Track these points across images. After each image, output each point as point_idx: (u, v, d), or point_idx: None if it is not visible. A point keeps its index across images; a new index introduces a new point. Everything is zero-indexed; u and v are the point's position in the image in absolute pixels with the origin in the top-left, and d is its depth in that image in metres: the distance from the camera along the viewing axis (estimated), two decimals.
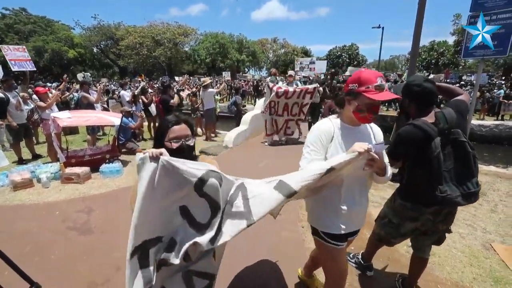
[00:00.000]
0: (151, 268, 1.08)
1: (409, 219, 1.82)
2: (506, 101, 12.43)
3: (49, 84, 14.96)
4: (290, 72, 7.52)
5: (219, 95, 10.42)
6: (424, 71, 35.57)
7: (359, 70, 1.42)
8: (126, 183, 4.49)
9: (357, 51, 45.90)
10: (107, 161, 5.06)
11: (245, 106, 14.27)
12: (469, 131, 1.98)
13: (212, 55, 38.42)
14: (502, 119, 12.48)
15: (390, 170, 1.45)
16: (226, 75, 25.97)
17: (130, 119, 6.57)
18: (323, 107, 7.98)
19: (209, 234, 1.11)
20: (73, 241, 2.89)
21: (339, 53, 45.47)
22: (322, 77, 13.12)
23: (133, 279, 1.07)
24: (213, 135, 8.23)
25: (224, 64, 38.28)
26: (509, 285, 2.22)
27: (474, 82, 6.49)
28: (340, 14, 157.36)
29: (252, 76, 34.80)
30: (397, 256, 2.57)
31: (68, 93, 8.50)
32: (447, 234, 1.91)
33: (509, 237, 2.89)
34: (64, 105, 7.95)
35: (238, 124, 7.93)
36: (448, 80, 19.33)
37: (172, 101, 6.53)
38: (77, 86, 8.89)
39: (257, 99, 14.92)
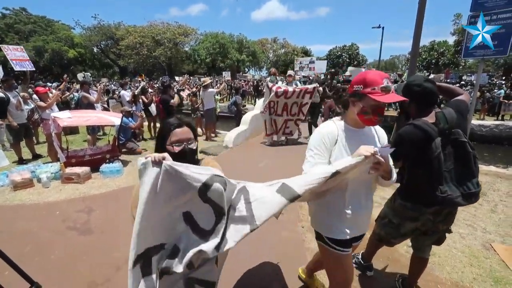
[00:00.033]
0: (154, 276, 1.06)
1: (409, 219, 1.82)
2: (506, 101, 12.43)
3: (49, 84, 14.98)
4: (290, 72, 7.52)
5: (219, 95, 10.41)
6: (424, 71, 35.57)
7: (365, 70, 1.38)
8: (126, 183, 4.49)
9: (357, 51, 45.93)
10: (107, 161, 5.06)
11: (245, 106, 14.29)
12: (469, 131, 1.98)
13: (212, 55, 38.43)
14: (502, 119, 12.47)
15: (395, 173, 1.42)
16: (226, 75, 25.95)
17: (130, 119, 6.58)
18: (323, 106, 7.99)
19: (214, 241, 1.08)
20: (73, 241, 2.89)
21: (339, 53, 45.50)
22: (322, 77, 13.11)
23: None
24: (213, 135, 8.23)
25: (224, 64, 38.29)
26: (509, 285, 2.22)
27: (474, 82, 6.49)
28: (340, 14, 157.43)
29: (252, 76, 34.79)
30: (397, 256, 2.57)
31: (68, 93, 8.51)
32: (447, 234, 1.91)
33: (509, 237, 2.88)
34: (64, 105, 7.96)
35: (238, 124, 7.93)
36: (448, 80, 19.32)
37: (172, 101, 6.54)
38: (77, 86, 8.88)
39: (257, 99, 14.93)
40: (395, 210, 1.91)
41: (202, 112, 8.05)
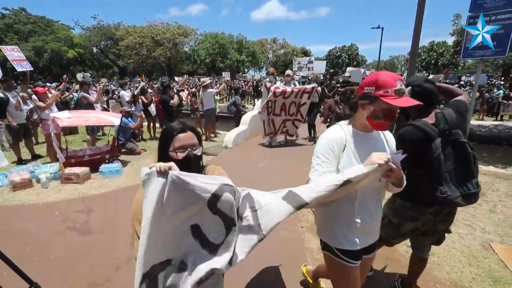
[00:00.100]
0: None
1: (409, 219, 1.82)
2: (505, 101, 12.47)
3: (48, 84, 14.91)
4: (288, 72, 7.50)
5: (218, 95, 10.42)
6: (424, 72, 35.67)
7: (377, 72, 1.29)
8: (126, 183, 4.49)
9: (356, 51, 46.01)
10: (106, 161, 5.06)
11: (245, 106, 14.31)
12: (468, 131, 1.98)
13: (212, 55, 38.45)
14: (501, 120, 12.51)
15: (405, 180, 1.35)
16: (226, 76, 25.98)
17: (129, 119, 6.57)
18: (322, 106, 8.00)
19: (226, 255, 1.02)
20: (73, 241, 2.89)
21: (338, 53, 45.58)
22: (321, 77, 13.11)
23: None
24: (212, 135, 8.24)
25: (223, 65, 38.32)
26: (508, 285, 2.22)
27: (473, 82, 6.50)
28: (340, 14, 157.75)
29: (252, 76, 34.82)
30: (396, 256, 2.58)
31: (67, 93, 8.51)
32: (446, 234, 1.92)
33: (508, 237, 2.89)
34: (63, 105, 7.96)
35: (237, 124, 7.93)
36: (447, 81, 19.36)
37: (172, 101, 6.53)
38: (77, 86, 8.89)
39: (256, 100, 14.94)
40: (395, 210, 1.91)
41: (201, 113, 8.06)
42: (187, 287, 0.99)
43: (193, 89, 10.01)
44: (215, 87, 14.68)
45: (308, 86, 6.71)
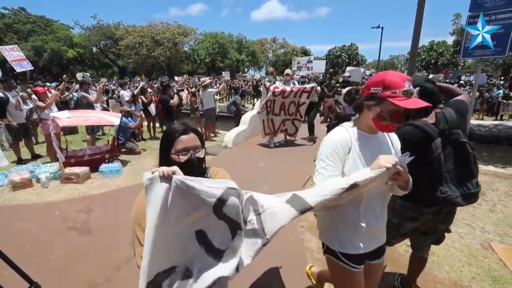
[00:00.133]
0: None
1: (409, 219, 1.82)
2: (505, 101, 12.49)
3: (48, 84, 14.90)
4: (287, 71, 7.48)
5: (218, 95, 10.41)
6: (424, 71, 35.69)
7: (384, 72, 1.25)
8: (126, 183, 4.49)
9: (356, 51, 46.00)
10: (106, 161, 5.06)
11: (244, 105, 14.30)
12: (468, 131, 1.98)
13: (212, 55, 38.41)
14: (501, 119, 12.52)
15: (411, 182, 1.30)
16: (226, 75, 25.92)
17: (129, 119, 6.57)
18: (322, 106, 7.99)
19: (233, 261, 1.00)
20: (73, 241, 2.89)
21: (338, 53, 45.55)
22: (321, 77, 13.11)
23: None
24: (212, 135, 8.24)
25: (223, 64, 38.26)
26: (507, 284, 2.23)
27: (473, 82, 6.51)
28: (340, 14, 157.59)
29: (252, 76, 34.80)
30: (396, 256, 2.58)
31: (67, 93, 8.49)
32: (446, 234, 1.92)
33: (507, 236, 2.90)
34: (63, 105, 7.94)
35: (237, 124, 7.93)
36: (447, 80, 19.35)
37: (171, 101, 6.54)
38: (77, 86, 8.88)
39: (256, 99, 14.94)
40: (395, 210, 1.91)
41: (201, 112, 8.06)
42: None
43: (193, 89, 10.00)
44: (215, 86, 14.68)
45: (308, 86, 6.69)
